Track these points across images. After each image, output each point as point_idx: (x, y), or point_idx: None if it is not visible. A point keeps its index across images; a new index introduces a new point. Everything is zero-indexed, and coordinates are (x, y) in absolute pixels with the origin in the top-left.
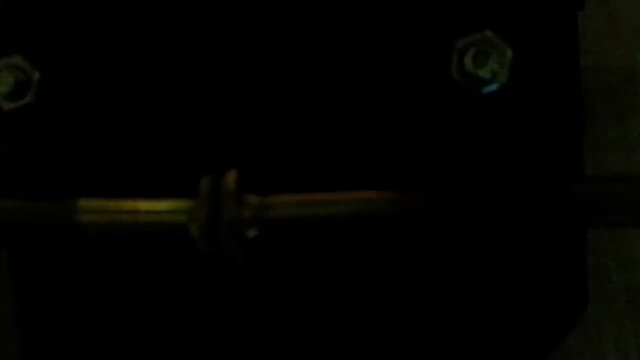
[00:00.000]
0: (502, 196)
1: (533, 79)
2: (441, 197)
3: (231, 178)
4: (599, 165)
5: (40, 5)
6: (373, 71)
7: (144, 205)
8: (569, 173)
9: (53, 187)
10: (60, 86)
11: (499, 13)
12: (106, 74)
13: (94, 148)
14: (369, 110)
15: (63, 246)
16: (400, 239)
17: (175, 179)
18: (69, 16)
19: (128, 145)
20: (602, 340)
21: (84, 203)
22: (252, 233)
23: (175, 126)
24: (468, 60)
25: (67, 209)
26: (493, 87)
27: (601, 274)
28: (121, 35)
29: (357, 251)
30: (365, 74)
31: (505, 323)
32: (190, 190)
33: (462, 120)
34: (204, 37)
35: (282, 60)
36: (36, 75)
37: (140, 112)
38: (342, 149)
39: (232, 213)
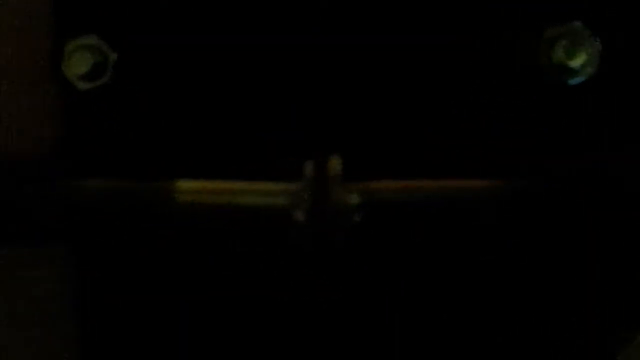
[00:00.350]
0: (578, 192)
1: (615, 71)
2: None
3: (336, 163)
4: None
5: None
6: (457, 63)
7: (243, 186)
8: None
9: (127, 168)
10: (137, 68)
11: (585, 4)
12: (179, 59)
13: (164, 131)
14: (453, 100)
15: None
16: (499, 226)
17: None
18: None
19: (198, 128)
20: None
21: (183, 184)
22: (357, 218)
23: (246, 113)
24: (559, 51)
25: (165, 190)
26: (581, 78)
27: None
28: (197, 22)
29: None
30: (450, 66)
31: (576, 325)
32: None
33: (544, 110)
34: (274, 37)
35: (373, 60)
36: (113, 56)
37: (211, 98)
38: (430, 138)
39: (339, 198)
